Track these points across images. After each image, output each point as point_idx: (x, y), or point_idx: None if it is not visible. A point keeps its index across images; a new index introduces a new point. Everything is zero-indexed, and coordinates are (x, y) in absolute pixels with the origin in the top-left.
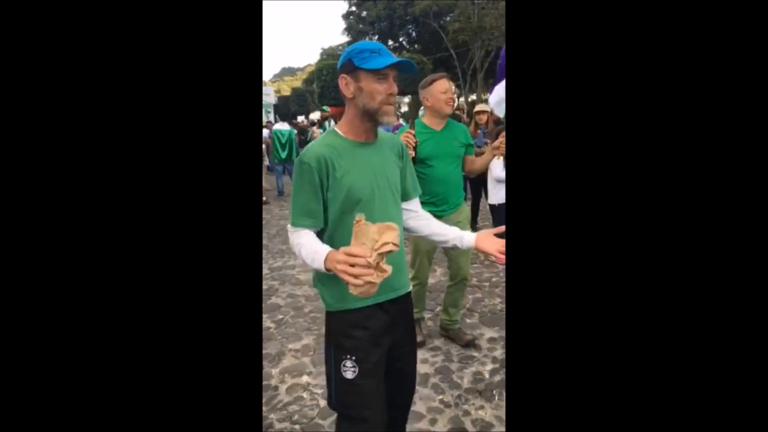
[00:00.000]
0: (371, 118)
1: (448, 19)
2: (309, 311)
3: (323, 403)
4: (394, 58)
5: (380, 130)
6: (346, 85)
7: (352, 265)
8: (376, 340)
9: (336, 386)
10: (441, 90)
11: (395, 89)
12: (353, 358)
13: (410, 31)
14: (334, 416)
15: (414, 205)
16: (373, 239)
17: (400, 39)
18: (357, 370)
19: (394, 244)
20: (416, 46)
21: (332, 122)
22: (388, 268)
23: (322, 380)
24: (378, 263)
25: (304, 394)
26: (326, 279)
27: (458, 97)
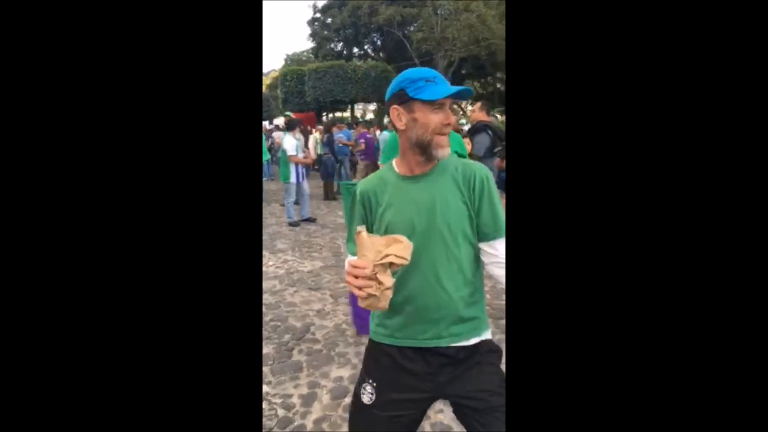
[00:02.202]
0: (423, 151)
1: (411, 28)
2: (269, 320)
3: (282, 412)
4: (452, 87)
5: (442, 162)
6: (398, 116)
7: (357, 277)
8: (406, 379)
9: (351, 405)
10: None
11: (453, 119)
12: (374, 384)
13: (375, 39)
14: (294, 424)
15: (495, 247)
16: (377, 251)
17: (365, 47)
18: (374, 397)
19: (397, 256)
20: (381, 54)
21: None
22: (388, 282)
23: (282, 390)
24: (377, 275)
25: (263, 404)
26: None
27: None
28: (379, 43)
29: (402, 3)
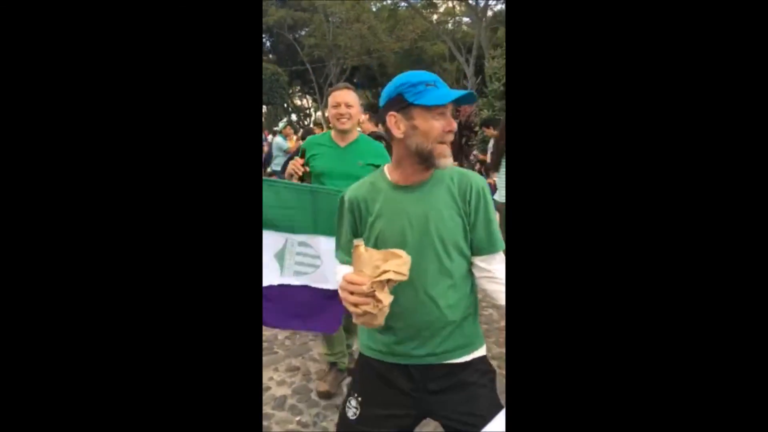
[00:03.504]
0: (424, 160)
1: (303, 33)
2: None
3: None
4: (454, 90)
5: (438, 171)
6: (395, 123)
7: (352, 293)
8: (392, 395)
9: (338, 418)
10: (332, 104)
11: (454, 126)
12: (359, 399)
13: (264, 40)
14: None
15: (489, 263)
16: (374, 266)
17: None
18: (358, 413)
19: (396, 272)
20: (271, 56)
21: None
22: (387, 300)
23: None
24: (374, 292)
25: None
26: None
27: (315, 111)
28: (268, 44)
29: (293, 6)
